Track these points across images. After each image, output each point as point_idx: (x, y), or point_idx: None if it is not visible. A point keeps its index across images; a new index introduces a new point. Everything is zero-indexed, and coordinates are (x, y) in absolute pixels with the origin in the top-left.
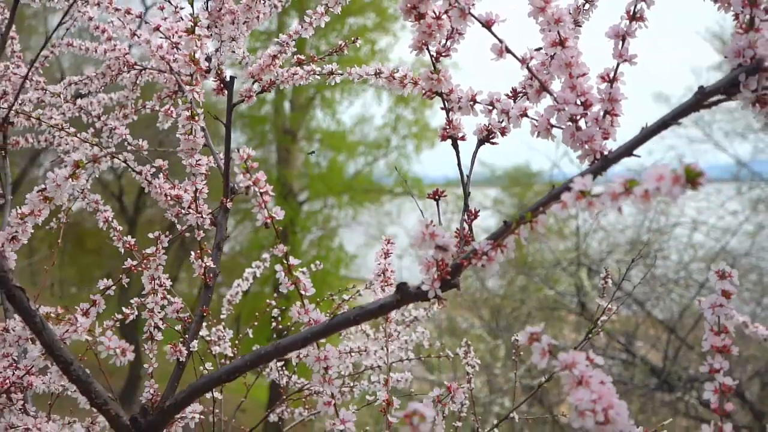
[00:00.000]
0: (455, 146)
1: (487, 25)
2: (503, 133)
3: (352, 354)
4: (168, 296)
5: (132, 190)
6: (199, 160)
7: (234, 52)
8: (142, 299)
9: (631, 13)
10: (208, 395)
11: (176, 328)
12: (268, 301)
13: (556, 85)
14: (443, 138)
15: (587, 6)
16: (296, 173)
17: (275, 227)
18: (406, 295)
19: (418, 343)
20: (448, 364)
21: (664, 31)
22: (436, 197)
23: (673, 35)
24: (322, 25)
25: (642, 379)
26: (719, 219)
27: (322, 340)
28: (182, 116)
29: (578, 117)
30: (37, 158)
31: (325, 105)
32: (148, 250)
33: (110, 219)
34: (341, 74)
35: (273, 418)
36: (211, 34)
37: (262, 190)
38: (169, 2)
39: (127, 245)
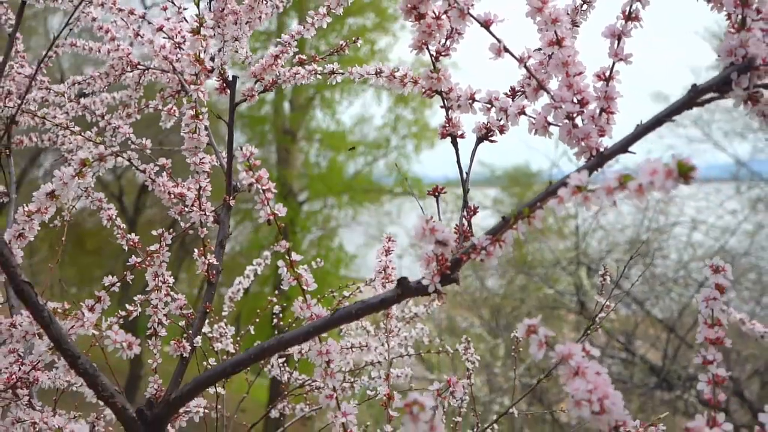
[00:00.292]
0: (454, 144)
1: (486, 24)
2: (502, 131)
3: (353, 350)
4: (171, 293)
5: (132, 191)
6: (203, 158)
7: (237, 51)
8: (146, 296)
9: (627, 13)
10: (211, 391)
11: (180, 324)
12: (269, 298)
13: (553, 84)
14: (443, 136)
15: (585, 7)
16: (296, 173)
17: (278, 223)
18: (406, 289)
19: (418, 339)
20: (448, 364)
21: (664, 32)
22: (436, 194)
23: (672, 36)
24: (324, 26)
25: (641, 378)
26: (718, 218)
27: (324, 335)
28: (187, 115)
29: (575, 115)
30: (37, 159)
31: (325, 105)
32: (152, 247)
33: (114, 217)
34: (342, 73)
35: (274, 414)
36: (215, 34)
37: (264, 187)
38: (173, 3)
39: (131, 243)
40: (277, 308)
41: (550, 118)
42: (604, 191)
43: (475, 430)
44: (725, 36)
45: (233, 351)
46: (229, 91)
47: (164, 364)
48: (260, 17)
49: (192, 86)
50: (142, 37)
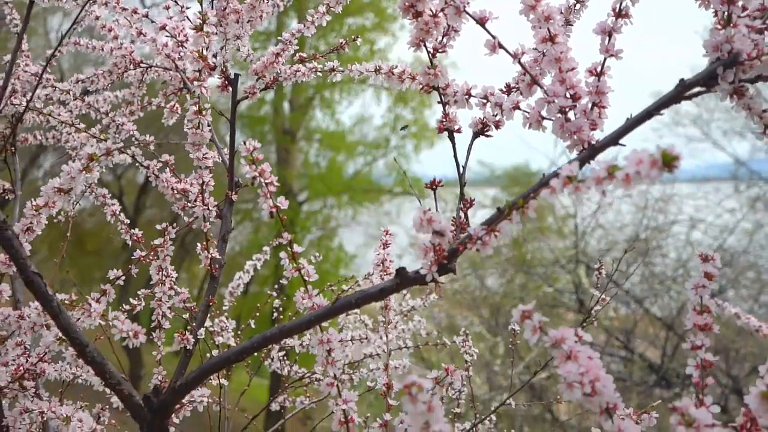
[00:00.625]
0: (451, 138)
1: (481, 22)
2: (497, 126)
3: (353, 341)
4: (174, 287)
5: (132, 191)
6: (206, 153)
7: (239, 50)
8: (150, 290)
9: (617, 11)
10: (214, 382)
11: (184, 316)
12: (268, 291)
13: (547, 80)
14: (440, 130)
15: (578, 6)
16: (296, 173)
17: (280, 216)
18: (405, 279)
19: (415, 332)
20: (447, 361)
21: (664, 32)
22: (434, 187)
23: (671, 35)
24: (324, 24)
25: (640, 376)
26: (717, 217)
27: (325, 324)
28: (190, 111)
29: (567, 109)
30: (37, 159)
31: (325, 105)
32: (156, 241)
33: (117, 212)
34: (342, 71)
35: (274, 407)
36: (217, 32)
37: (267, 181)
38: (176, 2)
39: (135, 238)
40: (276, 302)
41: (543, 113)
42: (593, 181)
43: (474, 424)
44: (711, 32)
45: (234, 344)
46: (231, 88)
47: (164, 364)
48: (261, 16)
49: (195, 82)
50: (144, 36)
